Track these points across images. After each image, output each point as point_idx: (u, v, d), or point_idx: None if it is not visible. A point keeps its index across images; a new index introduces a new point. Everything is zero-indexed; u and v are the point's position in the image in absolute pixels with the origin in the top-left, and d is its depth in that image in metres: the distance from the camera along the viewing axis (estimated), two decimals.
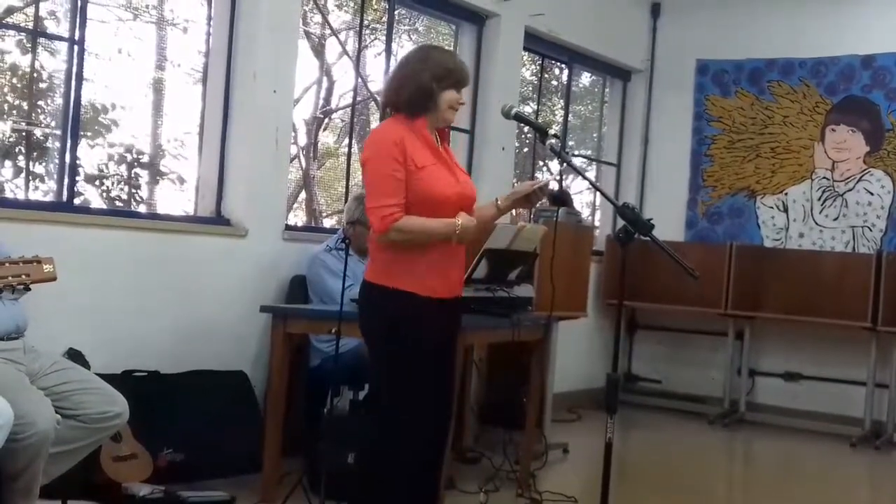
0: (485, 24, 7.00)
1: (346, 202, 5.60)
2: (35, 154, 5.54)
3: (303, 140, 9.49)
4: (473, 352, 5.54)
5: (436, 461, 3.56)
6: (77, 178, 5.06)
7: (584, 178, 3.69)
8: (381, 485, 3.41)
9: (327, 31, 8.95)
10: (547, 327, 5.15)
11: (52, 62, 5.45)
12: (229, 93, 5.33)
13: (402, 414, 3.38)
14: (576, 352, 7.49)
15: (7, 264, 2.89)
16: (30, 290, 2.97)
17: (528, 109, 8.46)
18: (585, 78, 9.30)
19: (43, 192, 5.41)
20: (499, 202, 3.59)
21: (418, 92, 3.37)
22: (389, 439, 3.40)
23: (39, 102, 5.69)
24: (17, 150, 5.50)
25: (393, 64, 6.45)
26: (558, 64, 8.49)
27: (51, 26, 5.31)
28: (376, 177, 3.34)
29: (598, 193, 8.33)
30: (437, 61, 3.41)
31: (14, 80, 5.76)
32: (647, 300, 7.80)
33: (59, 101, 4.92)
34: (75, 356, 4.24)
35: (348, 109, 8.03)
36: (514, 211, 4.03)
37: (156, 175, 6.87)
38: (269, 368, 4.96)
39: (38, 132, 5.57)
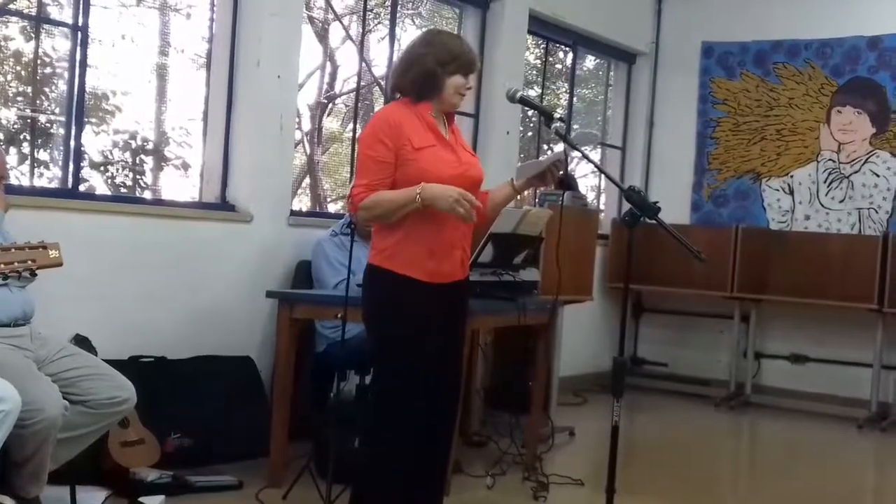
0: (489, 8, 6.98)
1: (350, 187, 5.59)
2: (40, 141, 5.54)
3: (307, 125, 9.48)
4: (479, 336, 5.55)
5: (440, 446, 3.56)
6: (82, 165, 5.06)
7: (590, 161, 3.68)
8: (376, 470, 3.41)
9: (331, 16, 8.93)
10: (553, 311, 5.15)
11: (56, 48, 5.44)
12: (233, 78, 5.32)
13: (389, 399, 3.37)
14: (582, 335, 7.50)
15: (13, 250, 2.90)
16: (36, 275, 2.97)
17: (532, 93, 8.45)
18: (590, 61, 9.27)
19: (48, 178, 5.42)
20: (514, 183, 3.58)
21: (422, 76, 3.35)
22: (381, 427, 3.39)
23: (44, 89, 5.69)
24: (21, 136, 5.50)
25: (397, 48, 6.45)
26: (563, 47, 8.46)
27: (54, 12, 5.30)
28: (359, 158, 3.38)
29: (603, 177, 8.32)
30: (443, 45, 3.39)
31: (18, 67, 5.76)
32: (652, 283, 7.79)
33: (63, 87, 4.92)
34: (82, 342, 4.25)
35: (352, 94, 8.03)
36: (518, 195, 4.01)
37: (160, 161, 6.87)
38: (275, 353, 4.96)
39: (42, 119, 5.56)
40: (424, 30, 3.66)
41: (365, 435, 3.48)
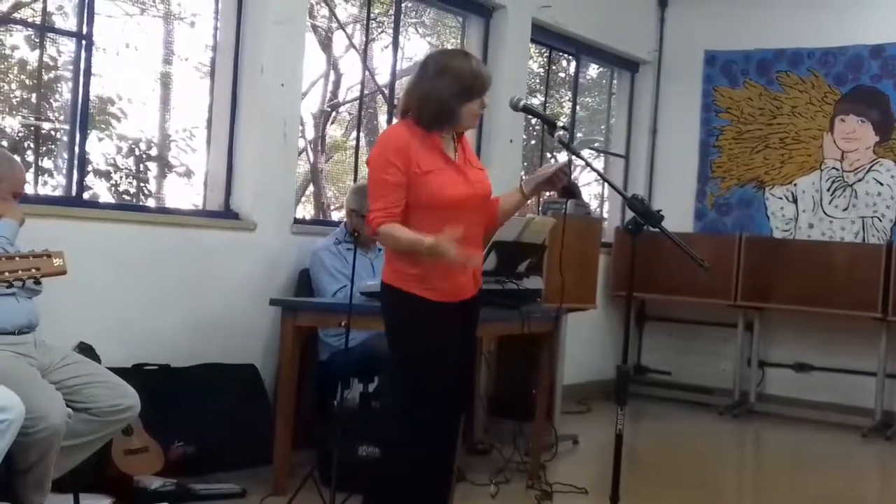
0: (492, 17, 6.99)
1: None
2: (44, 149, 5.55)
3: (310, 133, 9.48)
4: (483, 344, 5.54)
5: (445, 457, 3.57)
6: (87, 172, 5.06)
7: (593, 169, 3.69)
8: (392, 480, 3.42)
9: (334, 25, 8.94)
10: (556, 319, 5.15)
11: (60, 57, 5.46)
12: (237, 87, 5.33)
13: (407, 415, 3.39)
14: (585, 343, 7.48)
15: (17, 258, 2.90)
16: (40, 284, 2.97)
17: (535, 101, 8.45)
18: (593, 69, 9.27)
19: (52, 186, 5.42)
20: (523, 188, 3.59)
21: (439, 109, 3.34)
22: (396, 438, 3.41)
23: (48, 97, 5.70)
24: (25, 145, 5.51)
25: (400, 57, 6.46)
26: (566, 56, 8.47)
27: (58, 21, 5.31)
28: (371, 181, 3.38)
29: (606, 185, 8.32)
30: (456, 75, 3.34)
31: (22, 76, 5.77)
32: (656, 291, 7.79)
33: (68, 96, 4.93)
34: (86, 350, 4.26)
35: (356, 103, 8.03)
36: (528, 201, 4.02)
37: (164, 169, 6.87)
38: (278, 361, 4.97)
39: (46, 127, 5.58)
40: (433, 52, 3.60)
41: (386, 447, 3.49)
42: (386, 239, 3.35)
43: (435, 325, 3.35)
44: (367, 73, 6.81)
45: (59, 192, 5.04)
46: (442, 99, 3.33)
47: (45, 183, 5.49)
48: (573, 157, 3.54)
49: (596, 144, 8.23)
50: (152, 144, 6.80)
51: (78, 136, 4.71)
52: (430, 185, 3.31)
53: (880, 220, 7.74)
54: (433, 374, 3.35)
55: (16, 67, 5.74)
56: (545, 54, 8.41)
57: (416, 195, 3.32)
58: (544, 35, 7.58)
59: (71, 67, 4.80)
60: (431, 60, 3.46)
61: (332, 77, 9.81)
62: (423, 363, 3.36)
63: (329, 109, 9.87)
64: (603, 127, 9.17)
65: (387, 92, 6.46)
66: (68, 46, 5.00)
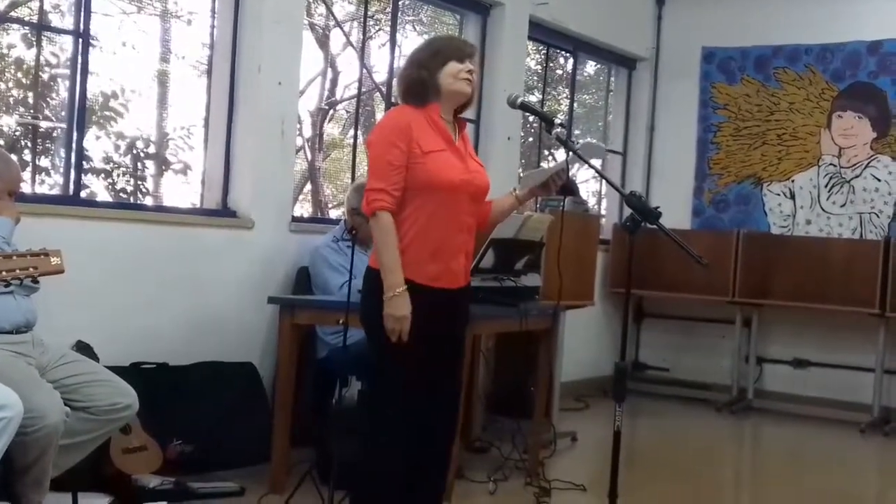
0: (489, 14, 6.99)
1: None
2: (40, 148, 5.55)
3: (308, 131, 9.49)
4: (481, 342, 5.55)
5: (441, 454, 3.55)
6: (84, 170, 5.06)
7: (591, 166, 3.68)
8: (374, 477, 3.40)
9: (331, 23, 8.94)
10: (554, 316, 5.15)
11: (57, 55, 5.45)
12: (234, 85, 5.33)
13: (392, 406, 3.36)
14: (583, 340, 7.49)
15: (14, 257, 2.90)
16: (38, 283, 2.97)
17: (533, 99, 8.46)
18: (590, 66, 9.28)
19: (49, 185, 5.42)
20: (517, 192, 3.59)
21: (416, 76, 3.40)
22: (380, 432, 3.39)
23: (45, 96, 5.70)
24: (22, 143, 5.51)
25: (398, 55, 6.46)
26: (563, 53, 8.47)
27: (55, 19, 5.31)
28: (373, 159, 3.38)
29: (604, 182, 8.32)
30: (425, 48, 3.47)
31: (19, 74, 5.77)
32: (654, 288, 7.79)
33: (65, 94, 4.93)
34: (84, 349, 4.25)
35: (353, 100, 8.04)
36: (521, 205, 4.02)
37: (161, 167, 6.87)
38: (276, 359, 4.96)
39: (43, 125, 5.57)
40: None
41: (363, 441, 3.48)
42: (378, 230, 3.30)
43: (422, 310, 3.31)
44: (364, 70, 6.81)
45: (56, 191, 5.03)
46: (410, 74, 3.41)
47: (43, 181, 5.49)
48: (570, 155, 3.53)
49: (602, 158, 8.21)
50: (150, 143, 6.80)
51: (75, 134, 4.71)
52: (429, 166, 3.31)
53: (878, 216, 7.74)
54: (411, 362, 3.32)
55: (13, 66, 5.74)
56: (542, 51, 8.41)
57: (414, 177, 3.31)
58: (541, 32, 7.58)
59: (68, 66, 4.79)
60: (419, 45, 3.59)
61: (329, 75, 9.82)
62: (402, 349, 3.31)
63: (326, 107, 9.88)
64: (600, 124, 9.17)
65: (384, 90, 6.45)
66: (65, 45, 4.99)
